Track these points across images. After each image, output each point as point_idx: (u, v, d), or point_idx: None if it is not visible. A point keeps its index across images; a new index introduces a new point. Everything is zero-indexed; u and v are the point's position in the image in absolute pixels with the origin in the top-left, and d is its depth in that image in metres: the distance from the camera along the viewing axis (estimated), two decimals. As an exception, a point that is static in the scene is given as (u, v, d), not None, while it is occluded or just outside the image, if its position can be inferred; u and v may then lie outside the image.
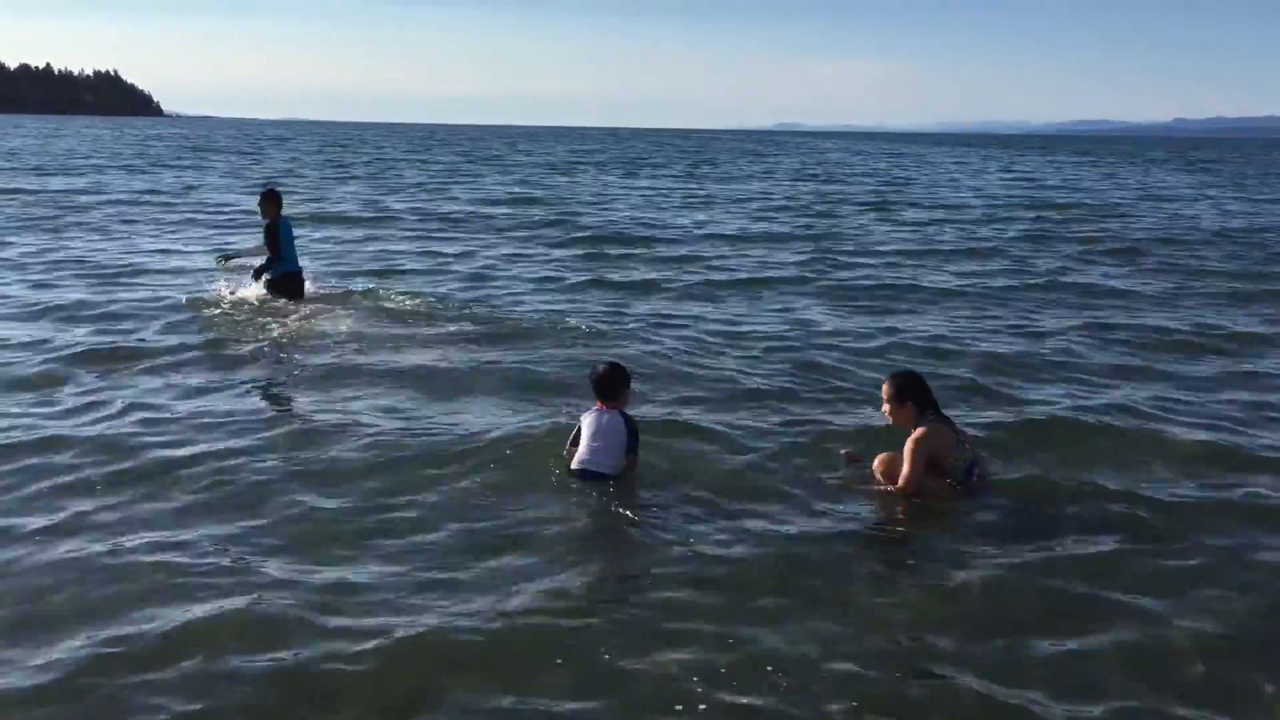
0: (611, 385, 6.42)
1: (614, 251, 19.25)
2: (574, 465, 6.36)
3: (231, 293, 12.88)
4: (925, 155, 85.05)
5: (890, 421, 6.25)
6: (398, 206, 28.31)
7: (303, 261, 13.21)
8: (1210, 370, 10.34)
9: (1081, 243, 21.54)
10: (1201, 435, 7.95)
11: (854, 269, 17.51)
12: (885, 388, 6.20)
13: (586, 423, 6.39)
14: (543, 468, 6.67)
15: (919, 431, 5.93)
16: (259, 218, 12.78)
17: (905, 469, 5.95)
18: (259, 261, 12.65)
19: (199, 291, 13.38)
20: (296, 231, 13.44)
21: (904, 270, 17.42)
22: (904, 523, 5.96)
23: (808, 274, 16.72)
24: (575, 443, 6.44)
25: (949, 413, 6.43)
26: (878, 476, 6.23)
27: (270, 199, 12.54)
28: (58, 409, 8.29)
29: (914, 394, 6.05)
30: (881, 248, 20.69)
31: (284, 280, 12.67)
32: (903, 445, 6.06)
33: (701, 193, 36.23)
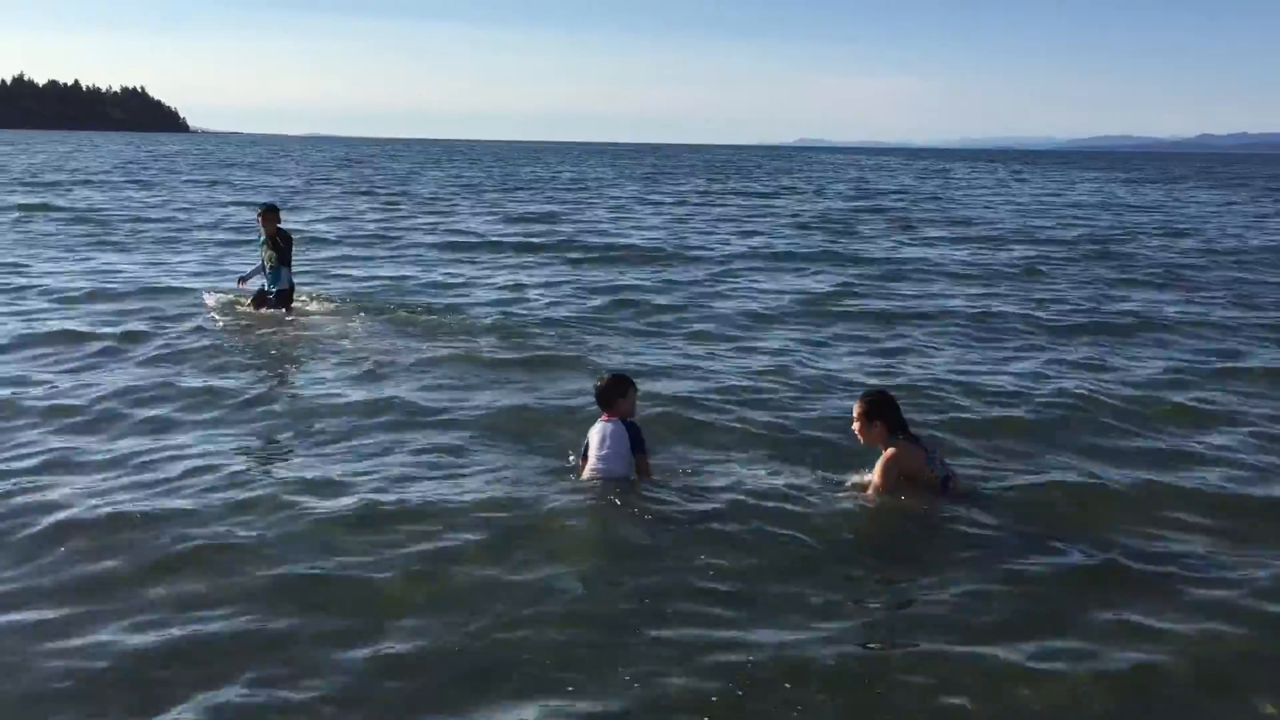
0: (609, 395, 6.73)
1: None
2: (585, 475, 6.68)
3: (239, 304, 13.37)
4: (954, 170, 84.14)
5: (860, 440, 6.40)
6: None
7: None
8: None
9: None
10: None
11: (893, 296, 16.38)
12: (856, 407, 6.33)
13: (593, 433, 6.72)
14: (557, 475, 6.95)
15: (889, 452, 6.13)
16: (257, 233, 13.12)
17: (877, 483, 6.19)
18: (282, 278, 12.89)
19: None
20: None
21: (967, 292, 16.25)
22: (895, 535, 6.12)
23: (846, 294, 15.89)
24: (584, 455, 6.74)
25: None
26: (876, 476, 6.34)
27: (273, 213, 12.83)
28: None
29: (884, 413, 6.20)
30: (935, 270, 19.54)
31: (290, 293, 13.02)
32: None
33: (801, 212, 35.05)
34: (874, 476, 6.20)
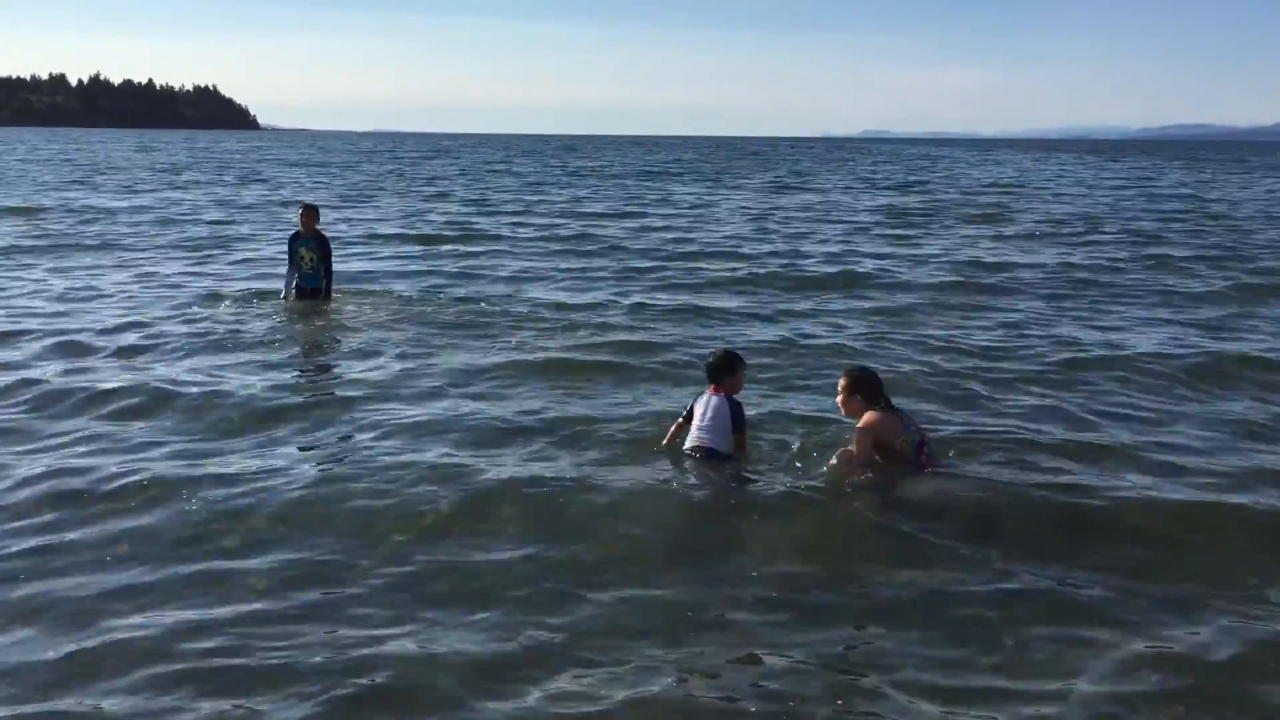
0: (721, 370, 7.00)
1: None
2: (687, 444, 6.99)
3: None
4: (1059, 159, 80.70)
5: (842, 412, 6.80)
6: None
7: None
8: None
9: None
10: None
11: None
12: (840, 381, 6.74)
13: (698, 404, 7.03)
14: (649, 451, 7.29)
15: (866, 417, 6.51)
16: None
17: (855, 450, 6.54)
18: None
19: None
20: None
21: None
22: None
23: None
24: (688, 419, 7.06)
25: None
26: (854, 443, 6.62)
27: (314, 213, 12.84)
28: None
29: (863, 388, 6.58)
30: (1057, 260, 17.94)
31: (327, 292, 13.05)
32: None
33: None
34: (853, 444, 6.60)
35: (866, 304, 14.20)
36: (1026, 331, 12.10)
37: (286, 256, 13.16)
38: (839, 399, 6.73)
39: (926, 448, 6.67)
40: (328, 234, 13.41)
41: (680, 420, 7.20)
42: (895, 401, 6.87)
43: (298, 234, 12.82)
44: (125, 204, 30.20)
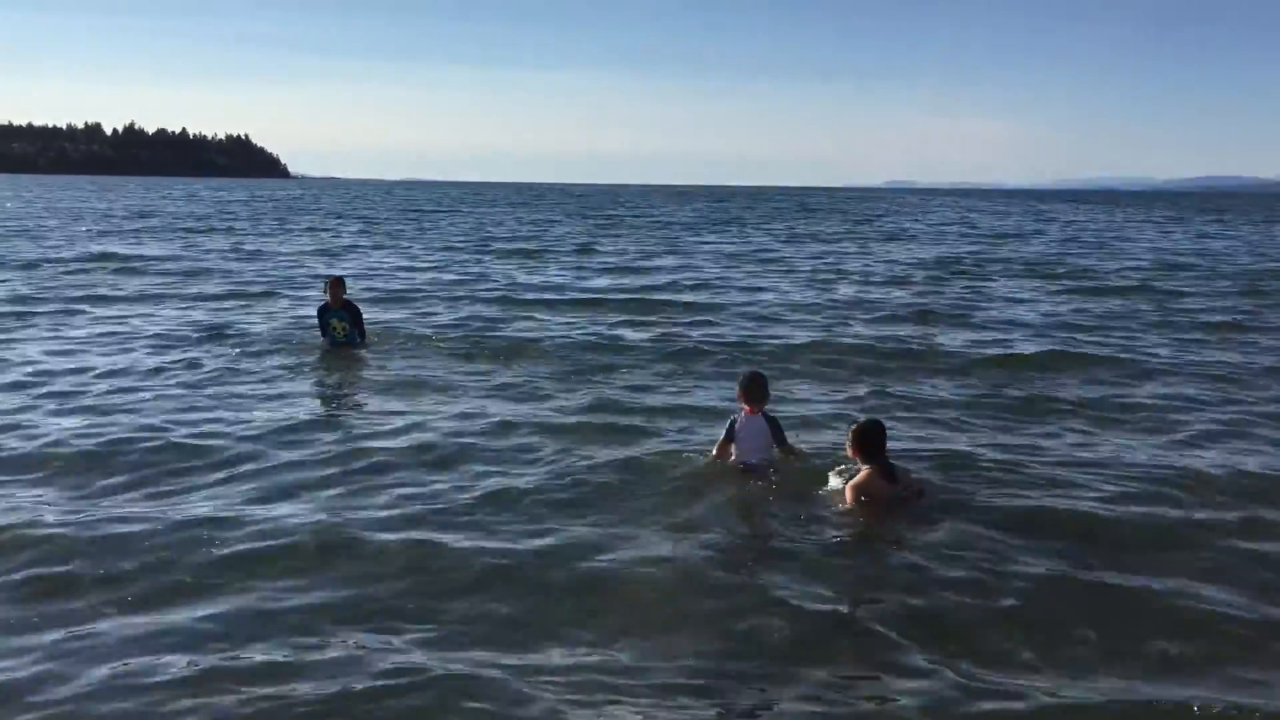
0: (751, 392, 7.72)
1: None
2: (737, 461, 7.78)
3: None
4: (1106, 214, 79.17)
5: (849, 454, 7.29)
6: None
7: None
8: None
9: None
10: None
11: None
12: (849, 431, 7.26)
13: (738, 425, 7.74)
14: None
15: (860, 477, 7.06)
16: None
17: (846, 499, 7.10)
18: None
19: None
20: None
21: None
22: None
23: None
24: (729, 439, 7.77)
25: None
26: (846, 495, 7.16)
27: (340, 285, 13.16)
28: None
29: (863, 441, 7.07)
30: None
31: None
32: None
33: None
34: (845, 493, 7.17)
35: None
36: None
37: (318, 325, 13.36)
38: (847, 445, 7.30)
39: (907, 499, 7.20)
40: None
41: (721, 440, 7.89)
42: None
43: (327, 306, 13.02)
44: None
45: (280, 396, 10.71)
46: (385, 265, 27.74)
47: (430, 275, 24.97)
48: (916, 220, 64.13)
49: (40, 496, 7.43)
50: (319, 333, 13.30)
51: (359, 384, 11.64)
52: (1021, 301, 21.08)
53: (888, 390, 11.45)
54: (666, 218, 65.21)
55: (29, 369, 11.96)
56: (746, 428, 7.74)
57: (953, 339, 15.29)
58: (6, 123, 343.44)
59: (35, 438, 8.90)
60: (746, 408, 7.77)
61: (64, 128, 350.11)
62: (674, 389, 11.55)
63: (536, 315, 17.74)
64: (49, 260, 26.90)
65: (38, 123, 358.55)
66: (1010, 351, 14.22)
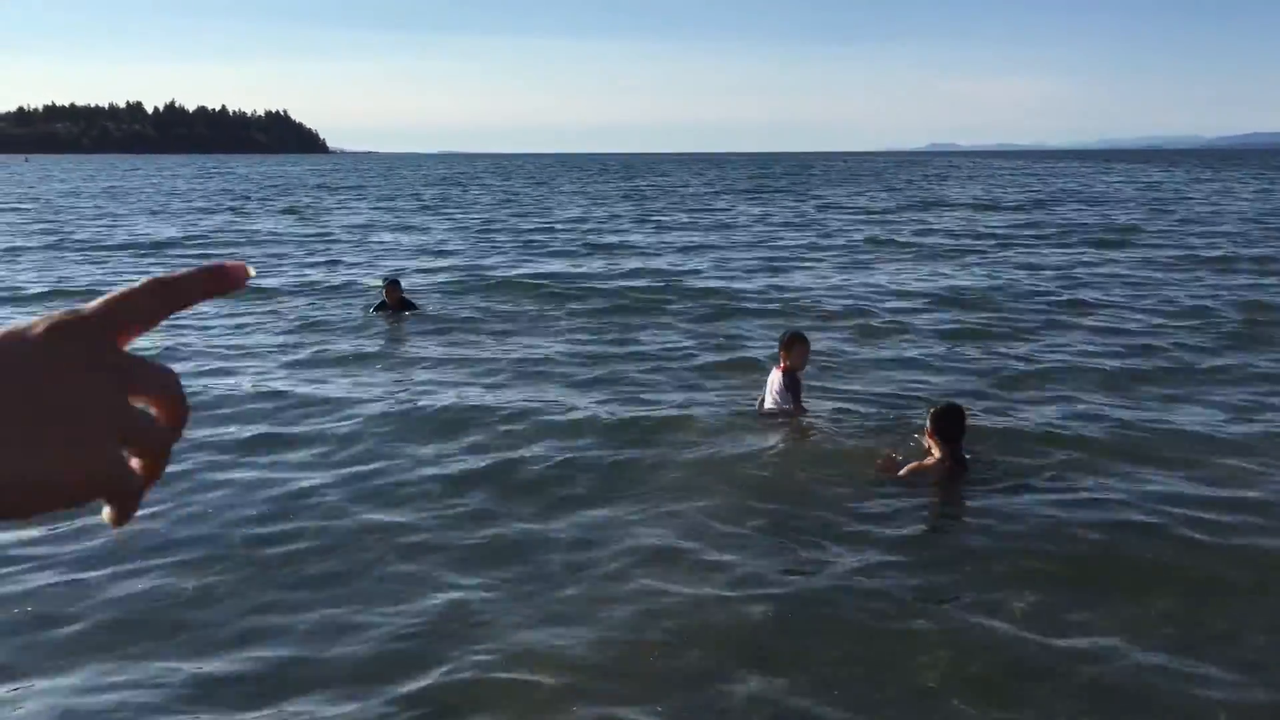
0: (785, 346, 8.11)
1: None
2: (762, 409, 8.24)
3: None
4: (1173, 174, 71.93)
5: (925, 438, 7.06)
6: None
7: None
8: None
9: None
10: None
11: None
12: (929, 413, 7.02)
13: (770, 378, 8.24)
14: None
15: (928, 461, 6.78)
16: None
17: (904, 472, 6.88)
18: None
19: None
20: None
21: None
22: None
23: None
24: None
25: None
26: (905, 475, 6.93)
27: (396, 286, 13.48)
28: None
29: (941, 424, 6.75)
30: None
31: None
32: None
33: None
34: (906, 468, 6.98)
35: None
36: None
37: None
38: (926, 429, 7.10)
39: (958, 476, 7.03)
40: None
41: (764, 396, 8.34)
42: None
43: (383, 304, 13.27)
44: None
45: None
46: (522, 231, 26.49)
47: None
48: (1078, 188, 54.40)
49: None
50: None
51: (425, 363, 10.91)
52: None
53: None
54: (866, 200, 61.79)
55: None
56: (772, 380, 8.16)
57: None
58: (50, 103, 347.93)
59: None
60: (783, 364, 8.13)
61: (106, 107, 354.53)
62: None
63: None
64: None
65: (80, 103, 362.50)
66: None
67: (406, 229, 29.17)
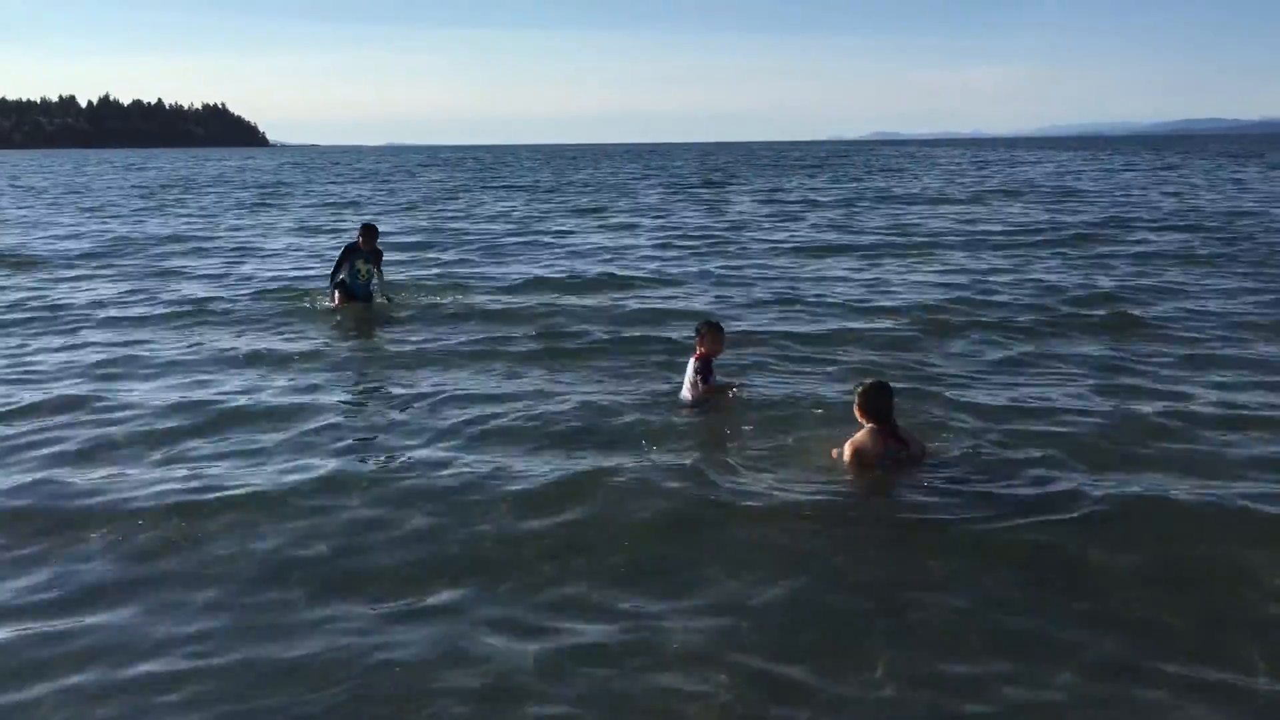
0: (700, 334, 8.48)
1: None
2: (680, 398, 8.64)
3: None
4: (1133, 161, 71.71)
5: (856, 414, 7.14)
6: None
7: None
8: None
9: None
10: None
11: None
12: (855, 391, 7.10)
13: (688, 366, 8.57)
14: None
15: (857, 436, 6.92)
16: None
17: (844, 456, 6.98)
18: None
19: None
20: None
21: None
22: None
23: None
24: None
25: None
26: (845, 455, 6.99)
27: (374, 232, 13.85)
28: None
29: (867, 401, 6.91)
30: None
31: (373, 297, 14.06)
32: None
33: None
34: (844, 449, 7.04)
35: None
36: None
37: (336, 260, 14.07)
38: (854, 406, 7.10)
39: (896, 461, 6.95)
40: None
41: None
42: None
43: (356, 246, 13.69)
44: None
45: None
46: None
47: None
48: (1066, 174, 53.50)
49: None
50: (330, 275, 14.06)
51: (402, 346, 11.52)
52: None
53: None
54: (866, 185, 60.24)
55: None
56: (690, 369, 8.57)
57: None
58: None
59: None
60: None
61: (38, 101, 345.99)
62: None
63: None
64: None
65: (10, 97, 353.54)
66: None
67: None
